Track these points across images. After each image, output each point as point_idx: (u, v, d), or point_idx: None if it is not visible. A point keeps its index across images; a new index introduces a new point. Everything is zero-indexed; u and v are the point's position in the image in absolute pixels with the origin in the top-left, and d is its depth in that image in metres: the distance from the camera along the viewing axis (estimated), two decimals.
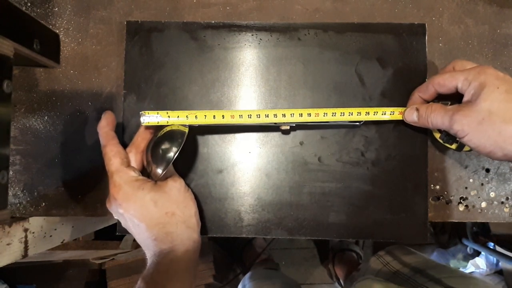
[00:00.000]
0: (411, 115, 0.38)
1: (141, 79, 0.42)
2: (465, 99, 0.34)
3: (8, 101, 0.32)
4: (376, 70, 0.41)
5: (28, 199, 0.42)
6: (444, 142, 0.39)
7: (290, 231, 0.41)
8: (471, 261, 1.18)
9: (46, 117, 0.43)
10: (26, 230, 0.42)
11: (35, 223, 0.44)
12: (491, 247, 1.06)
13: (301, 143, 0.42)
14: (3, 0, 0.32)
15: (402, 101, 0.41)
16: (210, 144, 0.42)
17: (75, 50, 0.43)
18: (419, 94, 0.38)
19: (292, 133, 0.42)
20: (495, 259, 1.14)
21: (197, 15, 0.43)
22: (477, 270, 1.17)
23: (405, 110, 0.39)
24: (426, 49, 0.41)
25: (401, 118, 0.39)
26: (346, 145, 0.41)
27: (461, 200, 0.42)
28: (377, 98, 0.41)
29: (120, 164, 0.34)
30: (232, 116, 0.37)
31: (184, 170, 0.41)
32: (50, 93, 0.43)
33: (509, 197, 0.42)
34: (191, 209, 0.36)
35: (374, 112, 0.39)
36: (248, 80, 0.42)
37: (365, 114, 0.39)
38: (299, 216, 0.41)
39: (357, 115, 0.39)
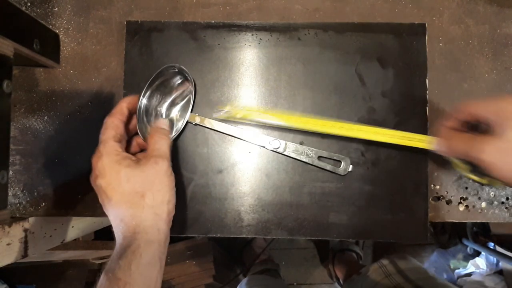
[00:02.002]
0: (437, 142, 0.36)
1: (141, 79, 0.42)
2: (492, 130, 0.33)
3: (8, 101, 0.32)
4: (376, 70, 0.41)
5: (28, 199, 0.42)
6: (474, 175, 0.36)
7: (290, 231, 0.41)
8: (471, 261, 1.18)
9: (46, 117, 0.43)
10: (26, 230, 0.42)
11: (35, 223, 0.44)
12: (491, 247, 1.06)
13: (301, 143, 0.41)
14: (3, 0, 0.32)
15: (402, 101, 0.41)
16: (210, 144, 0.42)
17: (75, 50, 0.43)
18: (445, 121, 0.36)
19: (292, 133, 0.42)
20: (495, 259, 1.14)
21: (197, 15, 0.43)
22: (477, 270, 1.17)
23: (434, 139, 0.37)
24: (427, 49, 0.41)
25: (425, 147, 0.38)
26: (346, 145, 0.41)
27: (461, 200, 0.42)
28: (378, 98, 0.41)
29: (112, 136, 0.35)
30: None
31: (184, 170, 0.41)
32: (50, 93, 0.43)
33: (509, 197, 0.42)
34: (165, 196, 0.34)
35: (402, 136, 0.38)
36: (248, 80, 0.42)
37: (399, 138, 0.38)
38: (299, 216, 0.41)
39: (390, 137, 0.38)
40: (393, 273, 0.66)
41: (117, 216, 0.33)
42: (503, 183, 0.34)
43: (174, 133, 0.41)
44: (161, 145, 0.35)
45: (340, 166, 0.41)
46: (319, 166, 0.41)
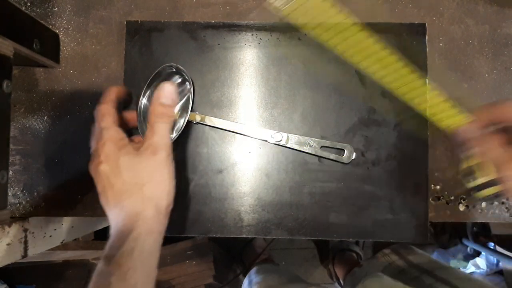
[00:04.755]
0: (468, 130, 0.32)
1: (141, 79, 0.42)
2: None
3: (8, 101, 0.32)
4: None
5: (28, 199, 0.42)
6: (468, 179, 0.34)
7: (290, 231, 0.41)
8: (471, 261, 1.18)
9: (46, 117, 0.43)
10: (26, 230, 0.42)
11: (35, 223, 0.44)
12: (492, 247, 1.06)
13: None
14: (3, 0, 0.32)
15: (402, 101, 0.41)
16: (210, 144, 0.42)
17: (75, 50, 0.43)
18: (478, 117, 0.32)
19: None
20: (495, 259, 1.14)
21: (197, 15, 0.43)
22: (477, 270, 1.17)
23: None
24: (427, 49, 0.41)
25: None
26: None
27: (462, 200, 0.42)
28: (378, 98, 0.41)
29: (112, 122, 0.34)
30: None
31: (184, 170, 0.41)
32: (50, 93, 0.43)
33: (510, 197, 0.42)
34: (165, 188, 0.33)
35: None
36: (248, 80, 0.42)
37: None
38: (299, 216, 0.41)
39: None
40: (396, 259, 0.66)
41: (117, 204, 0.32)
42: None
43: (175, 133, 0.41)
44: (162, 130, 0.33)
45: (343, 155, 0.41)
46: (322, 155, 0.41)
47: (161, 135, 0.33)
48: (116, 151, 0.32)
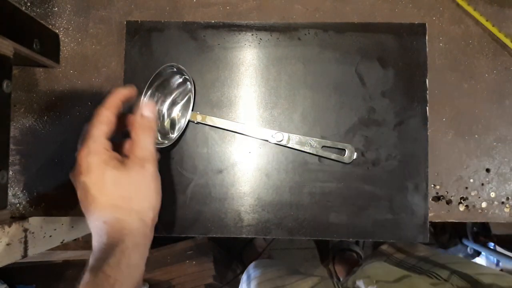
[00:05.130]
0: None
1: (141, 79, 0.42)
2: None
3: (8, 101, 0.32)
4: (376, 70, 0.41)
5: (28, 199, 0.42)
6: None
7: (290, 231, 0.41)
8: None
9: (45, 117, 0.43)
10: (26, 230, 0.42)
11: (35, 223, 0.44)
12: (492, 247, 1.06)
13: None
14: (3, 0, 0.32)
15: (402, 101, 0.41)
16: (210, 144, 0.42)
17: (75, 50, 0.43)
18: None
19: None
20: (495, 259, 1.14)
21: (197, 15, 0.43)
22: None
23: None
24: (427, 49, 0.41)
25: None
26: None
27: (462, 200, 0.42)
28: (378, 98, 0.41)
29: (104, 133, 0.33)
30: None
31: (184, 170, 0.41)
32: (50, 93, 0.43)
33: (510, 197, 0.42)
34: (151, 202, 0.33)
35: None
36: (248, 80, 0.42)
37: None
38: (299, 216, 0.41)
39: None
40: (394, 252, 0.66)
41: (100, 217, 0.32)
42: None
43: (176, 133, 0.41)
44: (146, 143, 0.33)
45: (344, 155, 0.41)
46: (323, 156, 0.41)
47: (147, 149, 0.33)
48: (101, 164, 0.31)
